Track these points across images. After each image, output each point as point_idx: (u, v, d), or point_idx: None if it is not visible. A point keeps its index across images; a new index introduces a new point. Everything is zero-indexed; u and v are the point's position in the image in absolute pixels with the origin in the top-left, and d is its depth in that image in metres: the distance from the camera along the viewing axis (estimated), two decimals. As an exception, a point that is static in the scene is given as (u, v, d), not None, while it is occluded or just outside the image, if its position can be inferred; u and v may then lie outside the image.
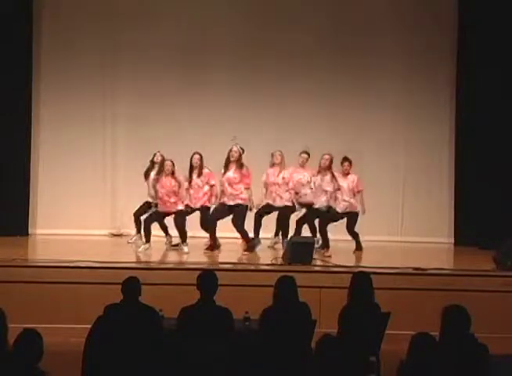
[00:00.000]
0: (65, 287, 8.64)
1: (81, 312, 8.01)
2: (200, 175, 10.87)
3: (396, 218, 12.70)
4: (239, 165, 10.63)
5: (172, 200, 10.66)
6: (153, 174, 11.21)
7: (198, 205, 10.90)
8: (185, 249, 10.64)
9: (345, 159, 11.00)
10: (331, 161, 10.78)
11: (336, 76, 12.74)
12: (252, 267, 9.57)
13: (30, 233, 12.39)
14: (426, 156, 12.77)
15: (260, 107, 12.70)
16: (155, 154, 11.41)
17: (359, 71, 12.71)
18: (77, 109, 12.61)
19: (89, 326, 6.04)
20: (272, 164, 10.96)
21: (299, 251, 9.45)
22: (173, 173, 10.68)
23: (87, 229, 12.36)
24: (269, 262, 9.67)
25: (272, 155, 10.97)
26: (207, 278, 6.25)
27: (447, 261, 11.29)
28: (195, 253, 10.71)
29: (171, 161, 10.70)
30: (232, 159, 10.61)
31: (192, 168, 10.87)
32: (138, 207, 11.46)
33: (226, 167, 10.65)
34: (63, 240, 11.65)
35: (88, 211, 12.51)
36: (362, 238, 11.33)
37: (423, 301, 8.58)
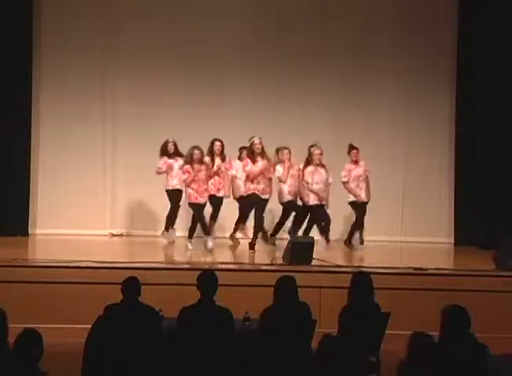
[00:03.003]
0: (65, 287, 8.63)
1: (81, 312, 8.00)
2: (223, 160, 10.89)
3: (396, 218, 12.69)
4: (266, 157, 10.64)
5: (205, 187, 10.66)
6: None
7: (221, 194, 10.93)
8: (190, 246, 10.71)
9: (352, 147, 11.05)
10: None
11: (335, 76, 12.74)
12: (252, 267, 9.57)
13: (30, 233, 12.39)
14: (426, 156, 12.77)
15: (260, 107, 12.70)
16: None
17: (359, 71, 12.71)
18: (77, 108, 12.61)
19: (89, 326, 6.04)
20: (281, 161, 10.88)
21: (299, 251, 9.44)
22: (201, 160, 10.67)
23: (87, 229, 12.37)
24: (269, 262, 9.67)
25: (278, 152, 10.91)
26: (207, 278, 6.25)
27: (447, 261, 11.29)
28: (195, 253, 10.72)
29: (200, 148, 10.65)
30: (257, 151, 10.56)
31: (213, 154, 10.84)
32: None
33: (252, 158, 10.57)
34: (63, 240, 11.65)
35: (88, 211, 12.52)
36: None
37: (423, 301, 8.57)
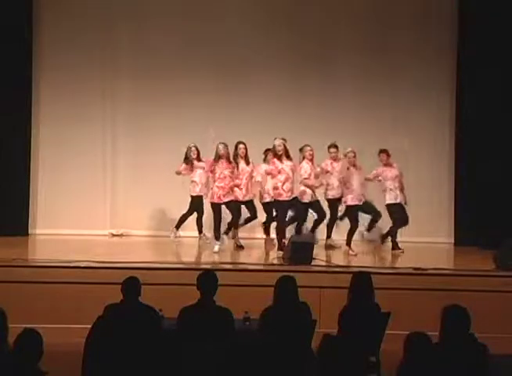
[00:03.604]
0: (65, 287, 8.65)
1: (81, 312, 8.01)
2: (248, 163, 10.88)
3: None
4: (290, 157, 10.63)
5: (231, 186, 10.67)
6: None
7: (247, 198, 10.94)
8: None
9: (381, 150, 11.15)
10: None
11: (335, 76, 12.73)
12: (252, 267, 9.57)
13: (30, 233, 12.39)
14: (426, 156, 12.76)
15: (260, 107, 12.67)
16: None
17: (359, 71, 12.71)
18: (77, 108, 12.60)
19: (89, 326, 6.05)
20: (303, 158, 10.92)
21: (299, 251, 9.44)
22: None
23: (87, 229, 12.36)
24: (269, 262, 9.68)
25: (301, 150, 10.97)
26: (207, 278, 6.25)
27: (447, 261, 11.30)
28: (194, 253, 10.73)
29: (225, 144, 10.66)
30: (279, 153, 10.47)
31: (237, 157, 10.83)
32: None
33: (279, 159, 10.49)
34: (63, 240, 11.65)
35: (88, 211, 12.51)
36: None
37: (423, 301, 8.58)
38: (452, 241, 12.39)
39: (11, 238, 11.56)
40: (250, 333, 6.49)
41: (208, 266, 9.28)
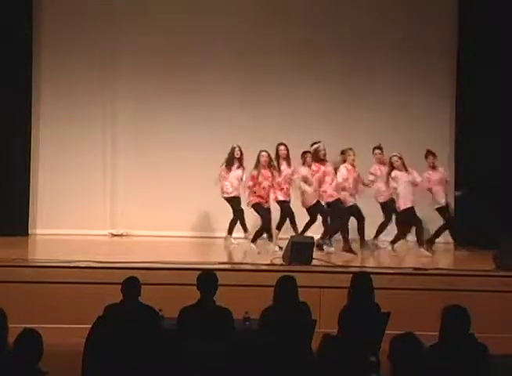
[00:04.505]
0: (65, 287, 8.64)
1: (81, 312, 8.01)
2: (289, 165, 10.87)
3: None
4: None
5: (267, 196, 10.68)
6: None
7: (288, 199, 10.90)
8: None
9: (430, 152, 11.16)
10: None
11: (334, 76, 12.73)
12: (252, 267, 9.57)
13: (30, 233, 12.39)
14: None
15: (260, 107, 12.68)
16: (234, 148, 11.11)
17: (359, 71, 12.70)
18: (77, 108, 12.61)
19: (89, 326, 6.05)
20: (344, 161, 11.00)
21: (299, 251, 9.44)
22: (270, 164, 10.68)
23: (87, 229, 12.36)
24: (269, 262, 9.67)
25: (344, 153, 11.04)
26: (207, 278, 6.26)
27: (447, 261, 11.30)
28: (195, 253, 10.72)
29: (267, 152, 10.67)
30: (322, 157, 10.72)
31: (279, 159, 10.81)
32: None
33: (322, 163, 10.73)
34: (63, 240, 11.65)
35: (88, 211, 12.51)
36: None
37: (423, 301, 8.58)
38: (452, 241, 12.39)
39: (11, 238, 11.56)
40: (250, 333, 6.49)
41: (208, 266, 9.27)
